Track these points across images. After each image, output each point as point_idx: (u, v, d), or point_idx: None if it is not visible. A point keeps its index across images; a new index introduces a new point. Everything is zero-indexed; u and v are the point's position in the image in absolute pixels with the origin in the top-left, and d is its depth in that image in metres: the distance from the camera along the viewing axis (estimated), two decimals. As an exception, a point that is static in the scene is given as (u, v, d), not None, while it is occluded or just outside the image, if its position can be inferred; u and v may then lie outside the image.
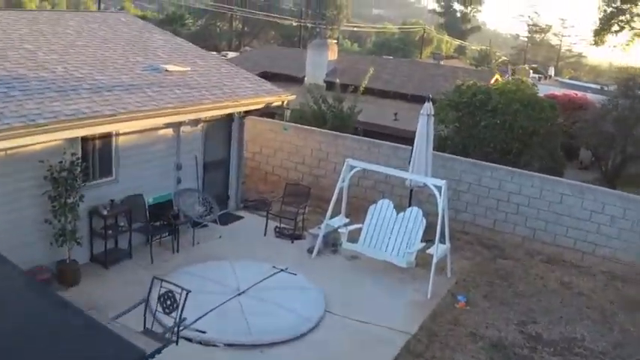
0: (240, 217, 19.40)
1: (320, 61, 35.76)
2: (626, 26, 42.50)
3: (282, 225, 18.20)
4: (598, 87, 64.48)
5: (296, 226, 18.03)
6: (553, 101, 26.15)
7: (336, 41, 65.39)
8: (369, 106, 28.24)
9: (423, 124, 17.54)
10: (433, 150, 18.27)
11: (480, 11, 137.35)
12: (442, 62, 55.91)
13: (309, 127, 22.80)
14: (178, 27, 77.83)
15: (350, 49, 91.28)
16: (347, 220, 17.17)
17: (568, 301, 16.22)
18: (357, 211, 18.74)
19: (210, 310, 13.06)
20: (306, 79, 27.14)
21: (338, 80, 27.01)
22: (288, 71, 35.41)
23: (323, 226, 16.61)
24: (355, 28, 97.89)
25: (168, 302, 10.83)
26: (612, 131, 31.32)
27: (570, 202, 19.00)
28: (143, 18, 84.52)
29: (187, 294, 10.63)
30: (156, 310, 11.19)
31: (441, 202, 15.16)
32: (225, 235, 17.68)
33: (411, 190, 18.46)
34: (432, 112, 17.75)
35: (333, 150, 21.97)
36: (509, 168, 19.98)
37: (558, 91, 40.00)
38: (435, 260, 15.24)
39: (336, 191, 16.45)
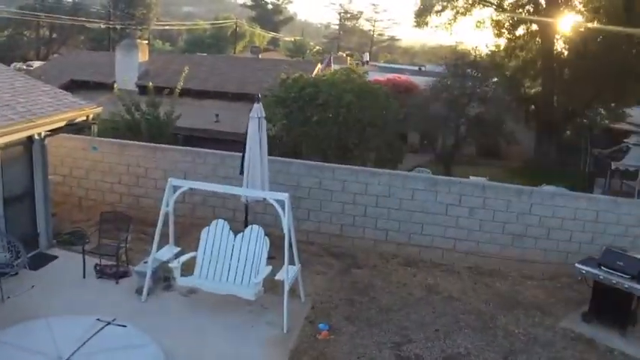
0: (54, 257, 16.19)
1: (130, 64, 32.71)
2: (448, 5, 41.78)
3: (104, 262, 15.15)
4: (416, 68, 65.27)
5: (119, 262, 15.01)
6: (385, 88, 24.23)
7: (147, 41, 62.15)
8: (187, 109, 25.72)
9: (255, 128, 15.05)
10: (265, 153, 15.84)
11: (292, 2, 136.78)
12: (260, 55, 53.75)
13: (122, 141, 19.77)
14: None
15: (162, 49, 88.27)
16: (177, 250, 14.33)
17: (440, 309, 14.50)
18: (188, 233, 16.61)
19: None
20: (116, 84, 23.81)
21: (151, 83, 24.03)
22: (98, 77, 32.01)
23: (150, 260, 13.68)
24: (166, 27, 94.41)
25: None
26: (444, 113, 30.50)
27: (423, 197, 17.30)
28: None
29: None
30: None
31: (286, 218, 12.63)
32: (38, 284, 14.37)
33: (247, 206, 15.88)
34: (264, 114, 15.30)
35: (152, 165, 19.14)
36: (353, 167, 17.96)
37: (381, 76, 38.60)
38: (286, 288, 12.74)
39: (161, 217, 13.56)
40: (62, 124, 15.39)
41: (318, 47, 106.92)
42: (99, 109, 16.40)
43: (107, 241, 15.44)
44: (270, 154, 16.59)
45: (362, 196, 17.53)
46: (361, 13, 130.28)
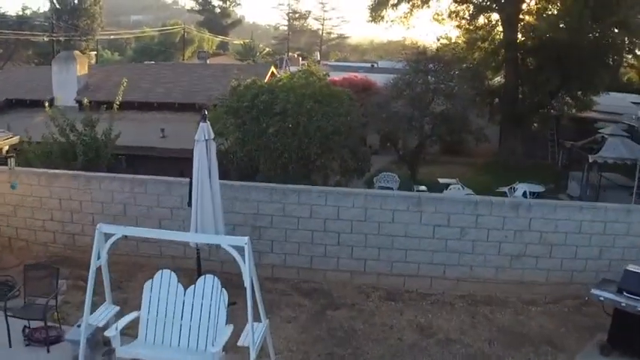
0: (-27, 321, 13.08)
1: (68, 78, 29.56)
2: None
3: (33, 325, 12.14)
4: (369, 65, 62.87)
5: (47, 325, 11.98)
6: (348, 91, 21.45)
7: (95, 52, 58.71)
8: (130, 124, 23.04)
9: (202, 153, 12.09)
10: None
11: (240, 5, 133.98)
12: (209, 61, 50.68)
13: (51, 171, 16.74)
14: None
15: (111, 59, 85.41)
16: (116, 309, 11.23)
17: (438, 356, 11.86)
18: (132, 276, 14.15)
19: None
20: (47, 104, 20.65)
21: (86, 99, 20.93)
22: (36, 95, 28.67)
23: (83, 326, 10.63)
24: (112, 36, 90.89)
25: None
26: (406, 111, 28.13)
27: (406, 219, 14.57)
28: None
29: None
30: None
31: (247, 267, 9.65)
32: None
33: (198, 251, 12.93)
34: (212, 135, 12.28)
35: (86, 197, 16.17)
36: (321, 188, 15.23)
37: (336, 76, 35.98)
38: (253, 356, 9.67)
39: (91, 273, 10.45)
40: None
41: (268, 49, 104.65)
42: (14, 139, 13.39)
43: (33, 298, 12.49)
44: (223, 173, 13.85)
45: (334, 222, 14.74)
46: (309, 12, 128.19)
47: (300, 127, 18.37)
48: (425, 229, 14.51)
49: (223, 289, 10.44)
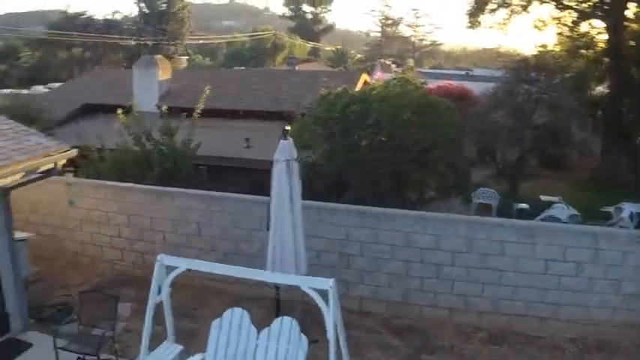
0: (27, 346, 11.91)
1: (149, 83, 28.30)
2: (503, 3, 37.86)
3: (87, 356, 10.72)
4: (463, 73, 60.64)
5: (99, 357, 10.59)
6: (446, 101, 19.57)
7: (186, 57, 58.20)
8: (214, 133, 21.67)
9: (282, 176, 10.34)
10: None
11: (330, 11, 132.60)
12: (297, 67, 49.25)
13: (121, 184, 15.46)
14: (13, 61, 69.37)
15: (202, 64, 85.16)
16: (178, 349, 9.72)
17: None
18: (204, 302, 13.02)
19: None
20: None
21: (165, 106, 19.55)
22: (116, 100, 27.50)
23: (142, 367, 9.11)
24: (201, 41, 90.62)
25: None
26: (506, 122, 26.15)
27: (516, 252, 12.65)
28: None
29: None
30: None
31: (331, 313, 7.96)
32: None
33: (277, 287, 11.18)
34: (294, 155, 10.50)
35: (158, 214, 14.84)
36: (420, 213, 13.34)
37: (430, 84, 34.01)
38: None
39: (150, 308, 8.95)
40: (18, 176, 11.00)
41: (359, 55, 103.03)
42: (72, 152, 11.94)
43: (89, 327, 11.22)
44: (308, 190, 12.15)
45: (432, 252, 12.93)
46: (401, 19, 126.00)
47: (395, 141, 16.59)
48: (536, 264, 12.60)
49: (302, 334, 8.76)
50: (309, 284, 8.17)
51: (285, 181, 10.23)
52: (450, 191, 19.00)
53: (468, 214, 21.82)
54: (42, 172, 11.62)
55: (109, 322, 11.02)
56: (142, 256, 15.07)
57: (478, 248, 12.64)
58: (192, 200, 14.42)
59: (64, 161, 11.88)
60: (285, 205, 10.32)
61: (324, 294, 7.92)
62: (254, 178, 15.97)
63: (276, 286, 11.06)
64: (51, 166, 11.53)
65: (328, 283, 7.94)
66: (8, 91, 43.33)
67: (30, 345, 11.88)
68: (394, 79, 21.42)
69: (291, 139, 10.38)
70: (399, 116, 16.69)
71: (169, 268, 8.89)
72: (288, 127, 10.41)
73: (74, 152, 11.98)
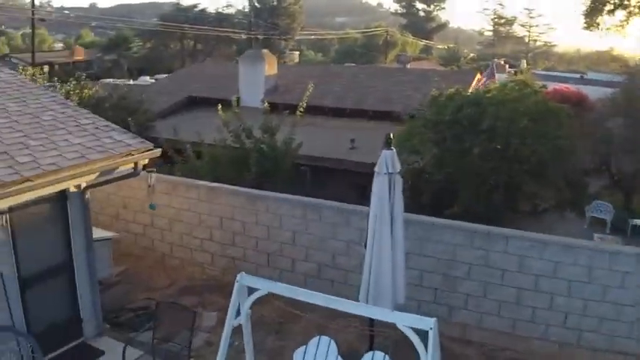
0: (99, 353, 11.13)
1: (255, 78, 27.51)
2: (620, 4, 35.68)
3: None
4: (577, 76, 58.09)
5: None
6: (566, 107, 17.98)
7: (298, 52, 57.58)
8: (316, 132, 20.84)
9: (383, 191, 9.06)
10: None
11: (444, 8, 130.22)
12: (409, 65, 47.84)
13: (213, 185, 14.54)
14: (123, 51, 70.25)
15: (314, 59, 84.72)
16: (259, 377, 8.68)
17: None
18: (293, 316, 11.09)
19: None
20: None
21: (266, 103, 18.56)
22: (221, 93, 26.82)
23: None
24: (312, 37, 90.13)
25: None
26: (626, 132, 24.25)
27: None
28: (90, 44, 79.02)
29: None
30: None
31: (429, 357, 6.69)
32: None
33: (372, 321, 9.80)
34: (397, 168, 9.19)
35: (251, 219, 13.86)
36: (536, 236, 11.69)
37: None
38: None
39: (226, 331, 7.86)
40: (92, 176, 10.11)
41: (472, 55, 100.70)
42: (155, 152, 10.95)
43: (164, 341, 10.31)
44: (414, 197, 10.89)
45: (548, 280, 11.42)
46: (515, 18, 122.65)
47: (510, 150, 15.18)
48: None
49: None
50: (407, 322, 6.95)
51: (385, 197, 8.97)
52: (565, 205, 17.50)
53: (582, 228, 20.24)
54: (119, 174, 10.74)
55: (185, 336, 10.09)
56: (233, 261, 14.20)
57: (597, 278, 11.10)
58: (288, 206, 13.36)
59: (145, 161, 10.92)
60: (384, 226, 9.06)
61: (423, 332, 6.71)
62: (358, 182, 14.89)
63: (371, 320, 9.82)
64: (130, 166, 10.59)
65: (429, 324, 6.74)
66: (116, 81, 43.40)
67: (102, 352, 11.18)
68: (511, 81, 19.93)
69: (394, 150, 9.09)
70: (515, 123, 15.28)
71: (250, 290, 7.82)
72: (391, 135, 9.08)
73: (157, 152, 10.97)
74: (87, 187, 10.60)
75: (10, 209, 9.38)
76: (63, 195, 10.36)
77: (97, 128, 10.85)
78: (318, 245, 13.03)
